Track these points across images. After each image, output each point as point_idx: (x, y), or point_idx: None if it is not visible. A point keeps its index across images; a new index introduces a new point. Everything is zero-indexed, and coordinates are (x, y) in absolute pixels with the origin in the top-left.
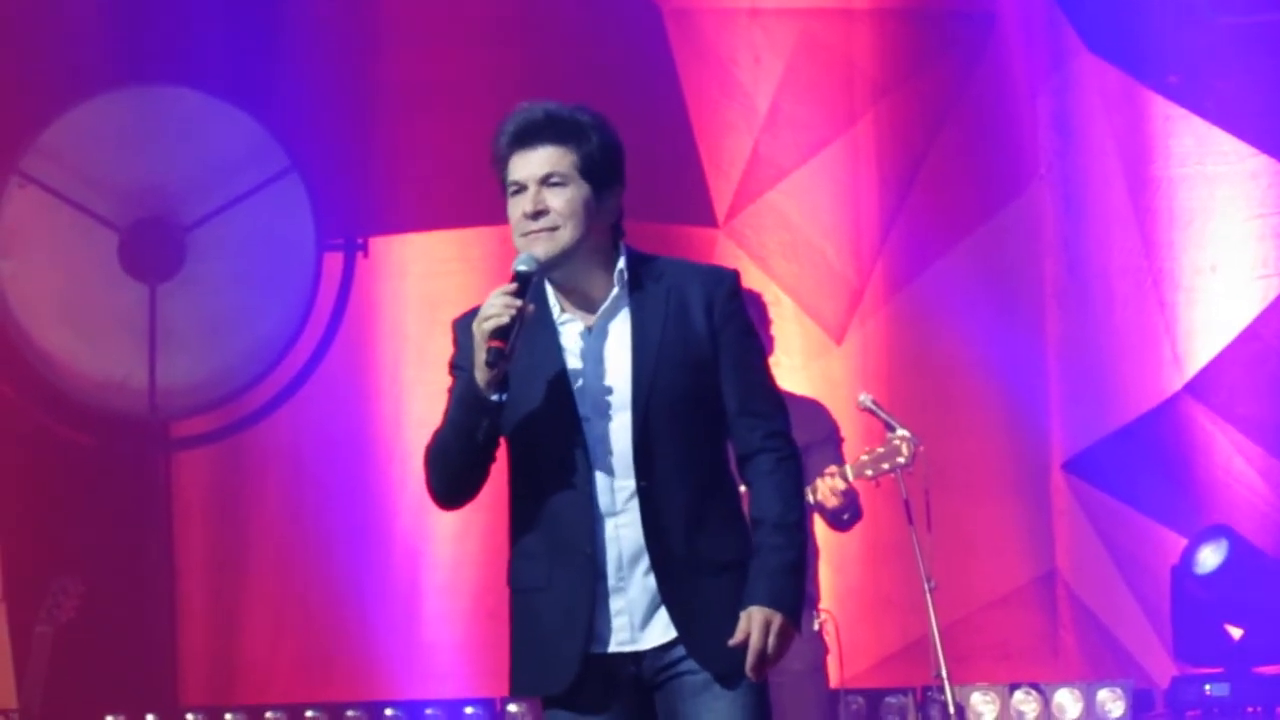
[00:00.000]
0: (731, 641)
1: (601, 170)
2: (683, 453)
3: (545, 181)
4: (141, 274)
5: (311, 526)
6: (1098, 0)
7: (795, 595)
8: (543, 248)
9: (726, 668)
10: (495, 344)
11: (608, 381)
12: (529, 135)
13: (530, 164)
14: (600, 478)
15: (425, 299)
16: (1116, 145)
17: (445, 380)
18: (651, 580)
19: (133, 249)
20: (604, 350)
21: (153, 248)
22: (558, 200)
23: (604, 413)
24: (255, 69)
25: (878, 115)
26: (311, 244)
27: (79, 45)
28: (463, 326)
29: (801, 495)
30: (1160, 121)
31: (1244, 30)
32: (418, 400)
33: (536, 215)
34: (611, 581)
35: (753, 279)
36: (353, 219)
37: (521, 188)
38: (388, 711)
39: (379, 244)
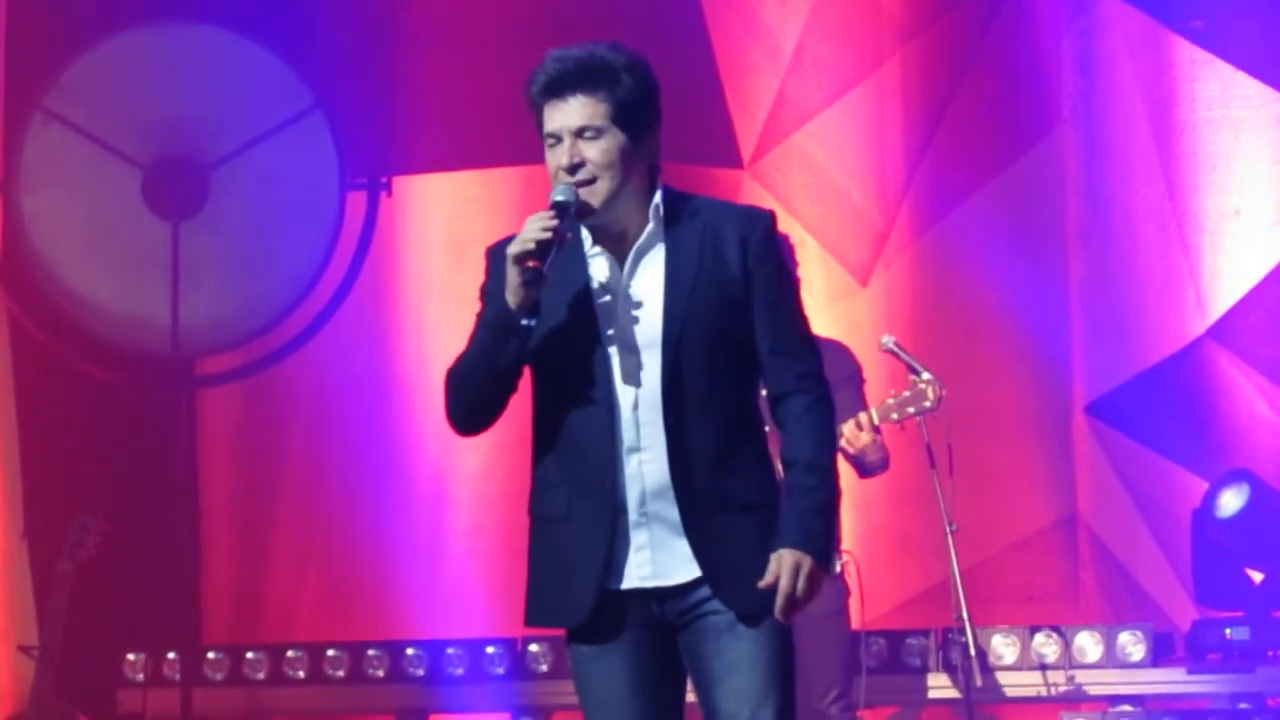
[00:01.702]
0: (761, 584)
1: (637, 114)
2: (712, 391)
3: (580, 134)
4: (165, 211)
5: (335, 466)
6: None
7: (825, 538)
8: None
9: (751, 608)
10: (533, 264)
11: (639, 316)
12: (560, 86)
13: (564, 115)
14: (625, 412)
15: (449, 238)
16: (1141, 89)
17: (468, 318)
18: (675, 517)
19: (156, 186)
20: (637, 285)
21: (176, 185)
22: (594, 151)
23: (633, 347)
24: (280, 6)
25: (904, 57)
26: (335, 183)
27: None
28: (496, 254)
29: (833, 437)
30: (1185, 65)
31: None
32: (441, 339)
33: (573, 169)
34: (633, 517)
35: (778, 220)
36: (377, 158)
37: (557, 139)
38: (409, 651)
39: (403, 183)
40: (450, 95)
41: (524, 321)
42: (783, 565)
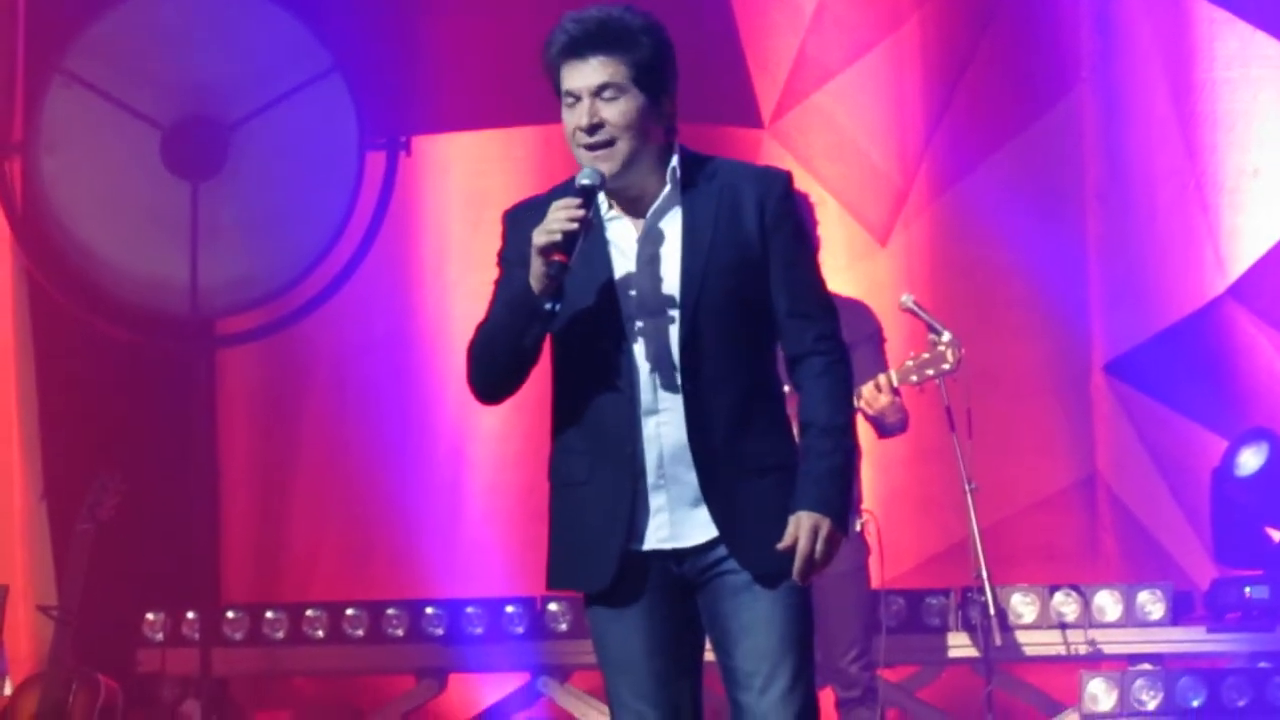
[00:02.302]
0: (780, 546)
1: (655, 75)
2: (729, 354)
3: (599, 93)
4: (184, 172)
5: (354, 425)
6: None
7: (842, 500)
8: (605, 166)
9: (768, 568)
10: (559, 258)
11: (656, 281)
12: (581, 45)
13: (584, 75)
14: (644, 376)
15: (469, 198)
16: (1159, 48)
17: (488, 279)
18: (692, 478)
19: (175, 146)
20: (654, 249)
21: (195, 145)
22: (612, 112)
23: (651, 312)
24: None
25: (923, 17)
26: (354, 143)
27: None
28: (513, 219)
29: (850, 398)
30: (1204, 25)
31: None
32: (461, 299)
33: (592, 129)
34: (652, 479)
35: (798, 180)
36: (396, 118)
37: (576, 99)
38: (428, 610)
39: (422, 143)
40: (469, 54)
41: (547, 306)
42: (801, 528)
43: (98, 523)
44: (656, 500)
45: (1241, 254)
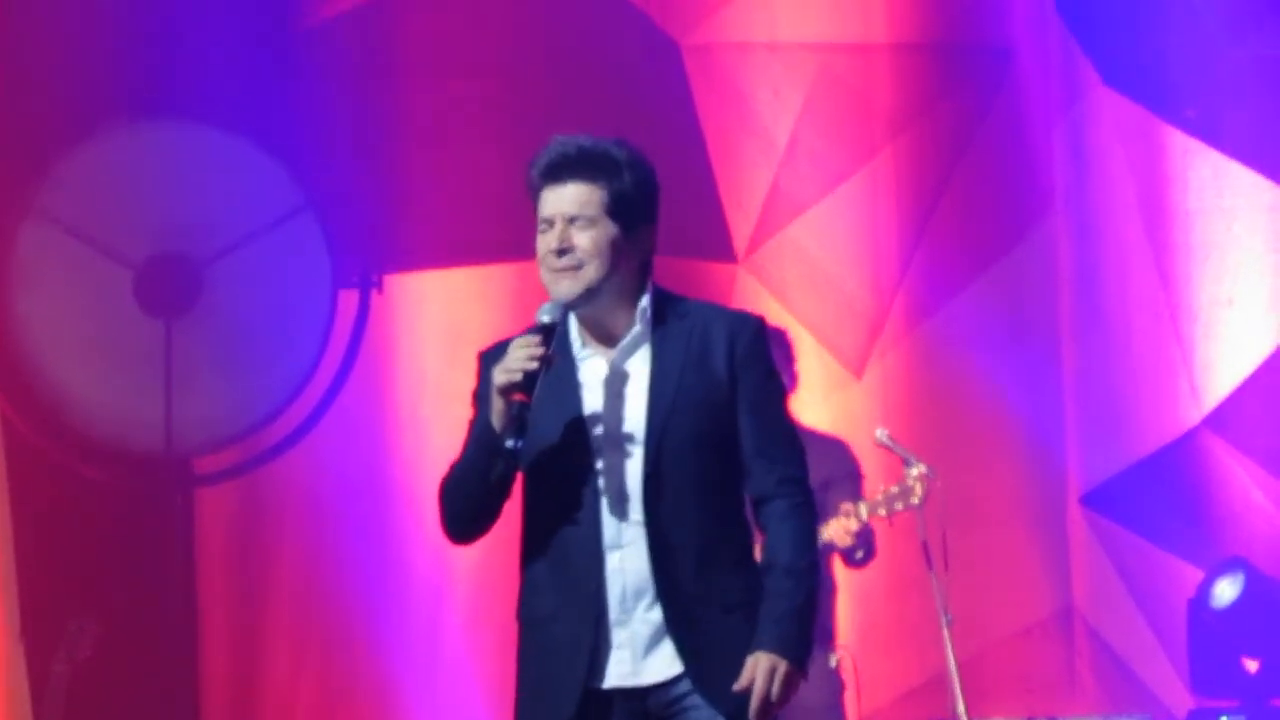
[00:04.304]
0: (736, 686)
1: (632, 208)
2: (694, 492)
3: (573, 221)
4: (157, 310)
5: (331, 561)
6: (1114, 34)
7: (801, 641)
8: (567, 286)
9: (732, 707)
10: (519, 398)
11: (623, 418)
12: (559, 170)
13: (559, 200)
14: (607, 512)
15: (444, 335)
16: (1133, 178)
17: (464, 415)
18: (654, 615)
19: (148, 285)
20: (620, 386)
21: (168, 284)
22: (583, 239)
23: (617, 448)
24: (270, 105)
25: (896, 149)
26: (327, 280)
27: (92, 79)
28: (487, 359)
29: (814, 540)
30: (1177, 154)
31: (1261, 63)
32: (437, 436)
33: (561, 253)
34: (614, 615)
35: (772, 314)
36: (369, 255)
37: (549, 224)
38: None
39: (395, 281)
40: (442, 192)
41: (509, 444)
42: (758, 668)
43: (74, 664)
44: (619, 636)
45: (1217, 384)
